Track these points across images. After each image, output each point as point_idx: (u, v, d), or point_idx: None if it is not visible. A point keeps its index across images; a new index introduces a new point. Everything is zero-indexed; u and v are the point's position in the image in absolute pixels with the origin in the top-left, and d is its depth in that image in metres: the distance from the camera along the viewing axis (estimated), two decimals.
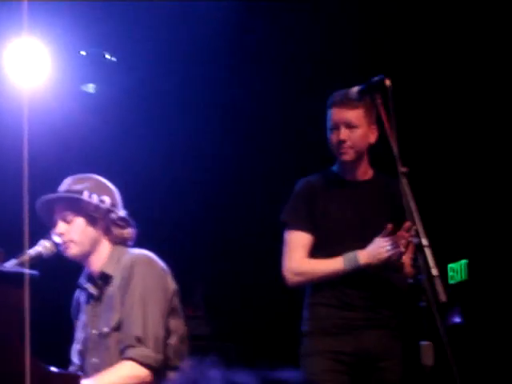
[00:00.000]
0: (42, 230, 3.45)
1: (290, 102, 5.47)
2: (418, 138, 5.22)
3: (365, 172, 3.83)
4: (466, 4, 5.06)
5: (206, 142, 5.66)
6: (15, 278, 2.76)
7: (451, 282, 5.33)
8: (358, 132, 3.73)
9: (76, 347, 3.50)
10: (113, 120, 5.37)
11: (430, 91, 5.33)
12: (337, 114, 3.74)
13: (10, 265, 3.19)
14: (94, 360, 3.39)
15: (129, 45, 5.24)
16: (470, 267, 5.32)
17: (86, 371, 3.41)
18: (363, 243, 3.66)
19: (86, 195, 3.41)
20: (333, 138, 3.76)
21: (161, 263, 3.44)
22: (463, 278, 5.29)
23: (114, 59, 5.07)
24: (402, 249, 3.58)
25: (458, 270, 5.34)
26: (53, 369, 2.78)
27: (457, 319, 3.97)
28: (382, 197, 3.79)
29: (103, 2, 5.02)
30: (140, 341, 3.24)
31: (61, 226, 3.42)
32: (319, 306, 3.74)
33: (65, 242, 3.40)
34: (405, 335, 3.71)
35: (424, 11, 5.12)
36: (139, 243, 3.55)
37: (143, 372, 3.24)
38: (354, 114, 3.72)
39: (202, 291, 6.03)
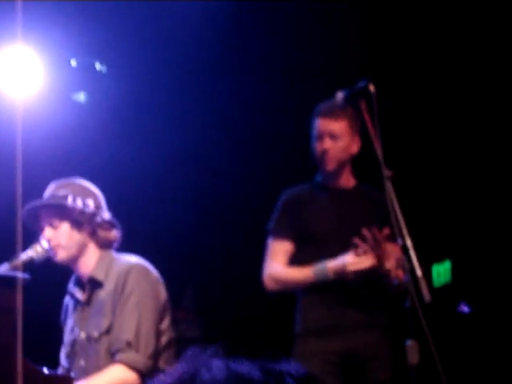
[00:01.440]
0: (34, 235, 3.51)
1: (281, 110, 5.50)
2: (402, 140, 5.27)
3: (347, 181, 3.93)
4: (451, 8, 5.11)
5: (197, 149, 5.68)
6: (7, 282, 2.79)
7: (436, 284, 5.37)
8: (341, 143, 3.82)
9: (64, 350, 3.54)
10: (104, 129, 5.39)
11: (413, 95, 5.37)
12: (322, 124, 3.84)
13: (3, 269, 3.24)
14: (82, 363, 3.43)
15: (120, 54, 5.27)
16: (454, 269, 5.36)
17: (73, 372, 3.45)
18: (347, 250, 3.73)
19: (70, 200, 3.46)
20: (317, 147, 3.86)
21: (155, 272, 3.48)
22: (447, 280, 5.33)
23: (104, 69, 5.10)
24: (375, 262, 3.64)
25: (442, 272, 5.38)
26: (46, 370, 2.80)
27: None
28: (365, 205, 3.89)
29: (95, 11, 5.05)
30: (131, 345, 3.28)
31: (48, 232, 3.47)
32: (310, 307, 3.80)
33: (53, 248, 3.45)
34: (393, 335, 3.76)
35: (408, 15, 5.16)
36: (130, 247, 3.59)
37: (132, 376, 3.29)
38: (338, 126, 3.81)
39: (192, 294, 6.05)
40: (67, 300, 3.62)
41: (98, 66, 5.19)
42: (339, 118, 3.81)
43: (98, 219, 3.48)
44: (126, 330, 3.31)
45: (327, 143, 3.82)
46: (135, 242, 3.60)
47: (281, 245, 3.87)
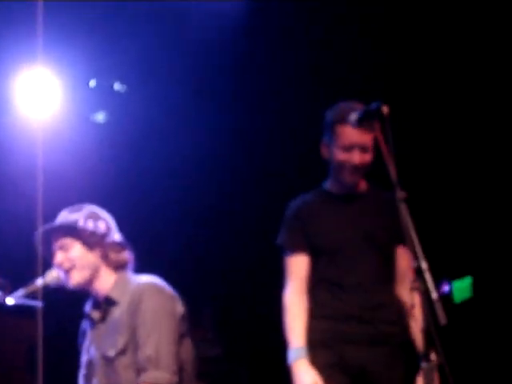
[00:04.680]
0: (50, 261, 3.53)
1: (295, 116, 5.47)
2: (417, 159, 5.23)
3: (359, 187, 3.77)
4: (460, 23, 5.08)
5: (216, 171, 5.67)
6: (22, 310, 2.80)
7: (457, 301, 5.33)
8: (369, 156, 3.66)
9: (81, 373, 3.54)
10: (123, 149, 5.41)
11: (426, 115, 5.34)
12: (354, 135, 3.63)
13: (18, 295, 3.25)
14: (100, 382, 3.41)
15: (138, 74, 5.29)
16: (475, 285, 5.32)
17: None
18: (365, 255, 3.63)
19: (81, 222, 3.48)
20: (343, 157, 3.65)
21: (169, 289, 3.47)
22: (468, 295, 5.29)
23: (123, 89, 5.13)
24: None
25: (462, 288, 5.34)
26: None
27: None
28: (379, 208, 3.72)
29: (112, 32, 5.08)
30: (152, 361, 3.27)
31: (59, 256, 3.48)
32: (319, 318, 3.67)
33: (66, 271, 3.45)
34: (408, 356, 3.69)
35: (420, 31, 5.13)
36: (147, 267, 3.60)
37: None
38: (369, 138, 3.62)
39: (211, 313, 6.03)
40: (84, 324, 3.63)
41: (116, 86, 5.22)
42: (371, 130, 3.57)
43: (109, 240, 3.50)
44: (147, 347, 3.30)
45: (359, 157, 3.64)
46: (150, 263, 3.61)
47: (296, 262, 3.70)
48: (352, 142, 3.63)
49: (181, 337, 3.42)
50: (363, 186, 3.78)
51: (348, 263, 3.64)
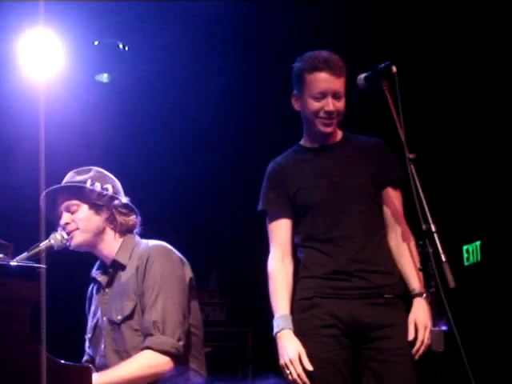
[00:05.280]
0: (54, 225, 3.49)
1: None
2: (428, 122, 5.18)
3: (335, 136, 3.61)
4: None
5: (219, 131, 5.64)
6: (24, 272, 2.77)
7: (466, 263, 5.30)
8: (343, 103, 3.50)
9: (87, 336, 3.52)
10: (126, 109, 5.38)
11: (435, 76, 5.28)
12: (324, 80, 3.46)
13: (21, 258, 3.22)
14: (106, 346, 3.40)
15: (142, 34, 5.24)
16: (484, 248, 5.29)
17: (97, 357, 3.44)
18: (349, 207, 3.49)
19: (88, 184, 3.44)
20: (316, 105, 3.48)
21: (177, 253, 3.44)
22: (478, 259, 5.26)
23: (126, 49, 5.08)
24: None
25: (472, 251, 5.31)
26: (63, 362, 2.78)
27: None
28: (356, 154, 3.58)
29: None
30: (157, 326, 3.24)
31: (65, 217, 3.44)
32: (308, 278, 3.52)
33: (70, 232, 3.42)
34: (403, 306, 3.54)
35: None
36: (153, 232, 3.56)
37: (162, 359, 3.23)
38: (341, 83, 3.49)
39: (217, 277, 6.02)
40: (91, 287, 3.61)
41: (120, 45, 5.17)
42: (342, 74, 3.46)
43: (117, 203, 3.46)
44: (153, 312, 3.27)
45: (332, 104, 3.46)
46: (157, 227, 3.58)
47: (278, 226, 3.58)
48: (323, 89, 3.46)
49: (189, 301, 3.39)
50: (339, 135, 3.62)
51: (332, 217, 3.49)
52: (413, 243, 3.49)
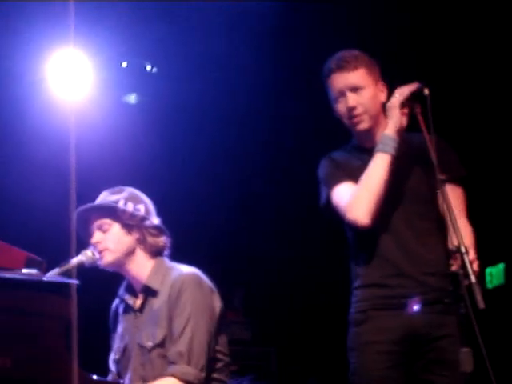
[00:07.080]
0: (85, 243, 3.53)
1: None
2: (457, 143, 5.18)
3: (378, 130, 3.41)
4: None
5: (247, 149, 5.66)
6: (58, 288, 2.79)
7: (490, 286, 5.28)
8: (366, 93, 3.37)
9: (113, 356, 3.54)
10: (154, 130, 5.41)
11: (468, 97, 5.30)
12: (338, 79, 3.38)
13: (53, 274, 3.25)
14: (134, 371, 3.42)
15: (169, 56, 5.28)
16: (508, 271, 5.28)
17: (122, 380, 3.44)
18: (400, 206, 3.36)
19: (121, 204, 3.47)
20: (340, 107, 3.39)
21: (208, 282, 3.45)
22: (501, 282, 5.25)
23: (154, 70, 5.12)
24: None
25: (495, 273, 5.30)
26: (95, 377, 2.80)
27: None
28: (408, 154, 3.40)
29: (145, 13, 5.07)
30: (183, 357, 3.27)
31: (97, 236, 3.47)
32: (363, 288, 3.38)
33: (100, 251, 3.45)
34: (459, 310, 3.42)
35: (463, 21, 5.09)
36: (179, 250, 3.58)
37: None
38: (357, 75, 3.36)
39: (241, 296, 6.03)
40: (116, 304, 3.62)
41: (148, 67, 5.22)
42: (355, 67, 3.35)
43: (148, 223, 3.48)
44: (181, 342, 3.29)
45: (351, 99, 3.36)
46: (184, 245, 3.60)
47: (345, 186, 3.35)
48: (339, 88, 3.38)
49: (217, 330, 3.40)
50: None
51: (384, 217, 3.33)
52: (472, 241, 3.33)
